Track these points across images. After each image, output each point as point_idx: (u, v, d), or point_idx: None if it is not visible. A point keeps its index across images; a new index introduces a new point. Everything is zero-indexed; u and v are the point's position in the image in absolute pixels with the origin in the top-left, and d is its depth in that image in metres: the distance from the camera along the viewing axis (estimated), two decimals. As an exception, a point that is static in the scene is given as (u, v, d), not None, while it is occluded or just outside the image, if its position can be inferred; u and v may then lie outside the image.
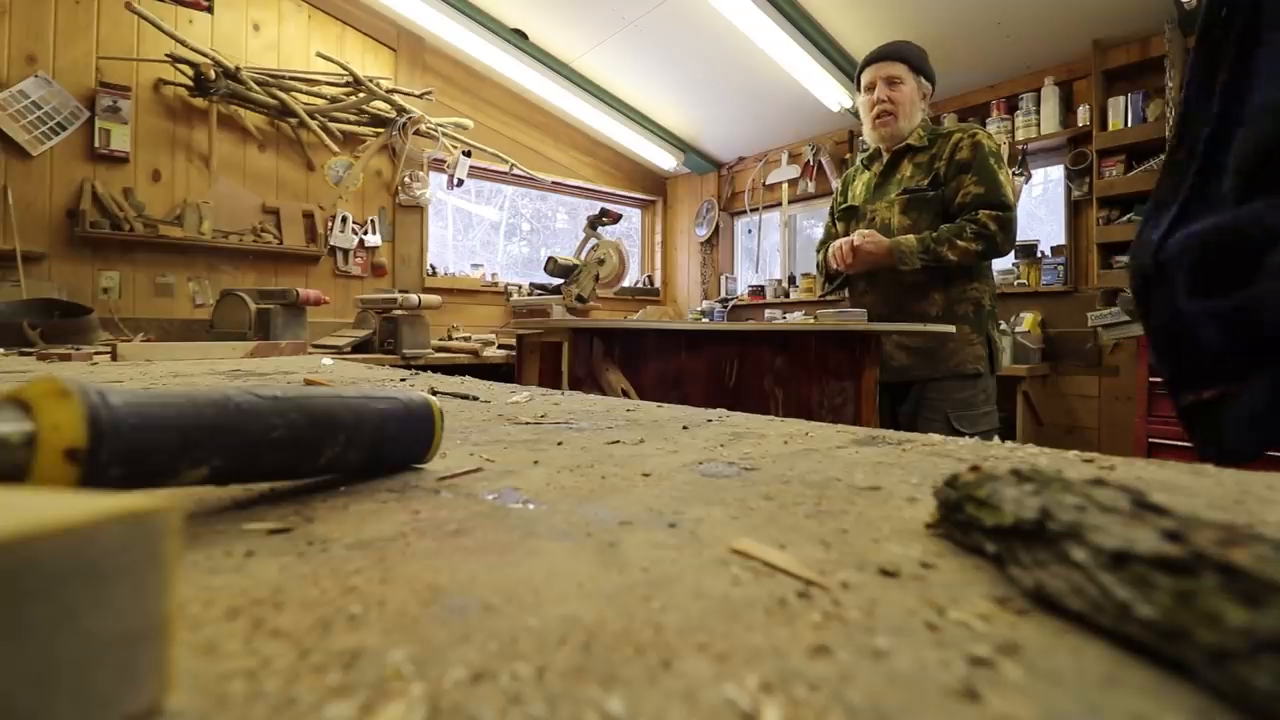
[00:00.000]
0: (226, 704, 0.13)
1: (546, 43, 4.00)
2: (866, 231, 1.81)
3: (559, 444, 0.43)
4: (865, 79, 1.91)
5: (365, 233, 3.82)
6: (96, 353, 1.61)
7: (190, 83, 3.19)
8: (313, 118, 3.51)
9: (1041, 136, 3.29)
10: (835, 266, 1.89)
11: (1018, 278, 3.40)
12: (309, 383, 0.80)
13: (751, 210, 4.80)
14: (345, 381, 0.86)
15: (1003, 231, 1.71)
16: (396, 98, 3.72)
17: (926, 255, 1.73)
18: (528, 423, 0.53)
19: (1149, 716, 0.13)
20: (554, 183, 4.69)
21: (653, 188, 5.29)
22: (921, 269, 1.74)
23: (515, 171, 4.30)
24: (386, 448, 0.32)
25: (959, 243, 1.70)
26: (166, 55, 3.12)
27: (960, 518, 0.23)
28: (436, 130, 3.87)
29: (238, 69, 3.24)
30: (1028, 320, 3.24)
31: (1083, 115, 3.17)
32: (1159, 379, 2.65)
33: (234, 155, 3.43)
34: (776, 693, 0.14)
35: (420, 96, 3.79)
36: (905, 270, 1.75)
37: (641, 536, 0.24)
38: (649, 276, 5.42)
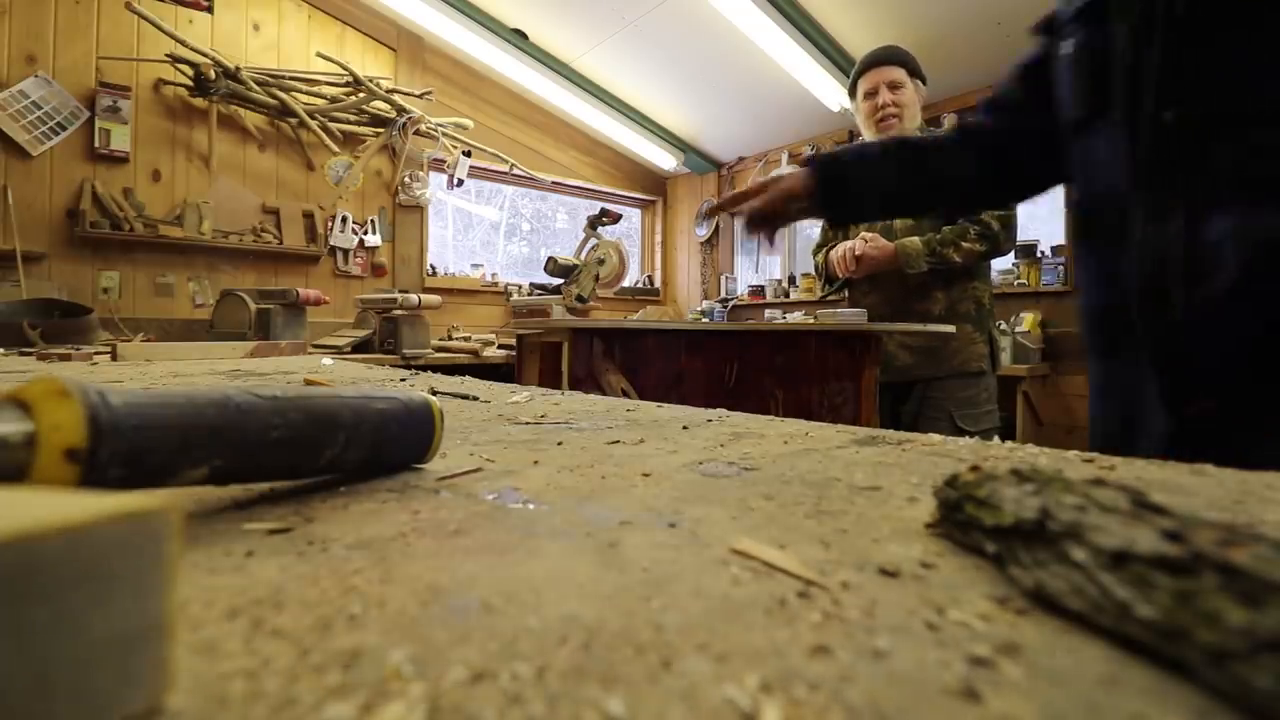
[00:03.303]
0: (226, 704, 0.13)
1: (546, 43, 4.00)
2: (869, 235, 1.81)
3: (559, 444, 0.43)
4: (865, 84, 1.90)
5: (365, 233, 3.82)
6: (96, 353, 1.61)
7: (190, 83, 3.19)
8: (313, 118, 3.51)
9: (1041, 136, 3.29)
10: (839, 274, 1.88)
11: (1018, 278, 3.40)
12: (309, 383, 0.80)
13: (751, 210, 4.80)
14: (345, 381, 0.86)
15: (1005, 231, 1.72)
16: (396, 98, 3.72)
17: (933, 258, 1.73)
18: (528, 423, 0.53)
19: (1149, 716, 0.13)
20: (554, 183, 4.69)
21: (653, 188, 5.29)
22: (925, 270, 1.75)
23: (515, 171, 4.31)
24: (387, 448, 0.32)
25: (964, 244, 1.71)
26: (166, 55, 3.12)
27: (960, 518, 0.23)
28: (436, 130, 3.87)
29: (238, 69, 3.24)
30: (1028, 320, 3.24)
31: (1083, 115, 3.16)
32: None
33: (234, 155, 3.43)
34: (776, 693, 0.14)
35: (420, 96, 3.79)
36: (911, 272, 1.76)
37: (641, 536, 0.24)
38: (649, 276, 5.42)
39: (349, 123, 3.69)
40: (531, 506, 0.28)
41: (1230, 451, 0.39)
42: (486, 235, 4.96)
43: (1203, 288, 0.58)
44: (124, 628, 0.12)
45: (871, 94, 1.87)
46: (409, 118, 3.75)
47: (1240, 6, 0.55)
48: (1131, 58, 0.63)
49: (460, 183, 4.06)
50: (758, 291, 4.73)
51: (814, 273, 2.18)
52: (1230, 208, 0.56)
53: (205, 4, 3.30)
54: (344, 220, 3.72)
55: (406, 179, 3.92)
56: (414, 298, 2.68)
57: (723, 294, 4.91)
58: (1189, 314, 0.59)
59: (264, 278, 3.47)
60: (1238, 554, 0.14)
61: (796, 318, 3.72)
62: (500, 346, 3.02)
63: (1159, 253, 0.60)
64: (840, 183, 0.91)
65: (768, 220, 0.92)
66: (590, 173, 4.87)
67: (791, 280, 4.62)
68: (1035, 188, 0.92)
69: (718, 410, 0.60)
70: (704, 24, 3.49)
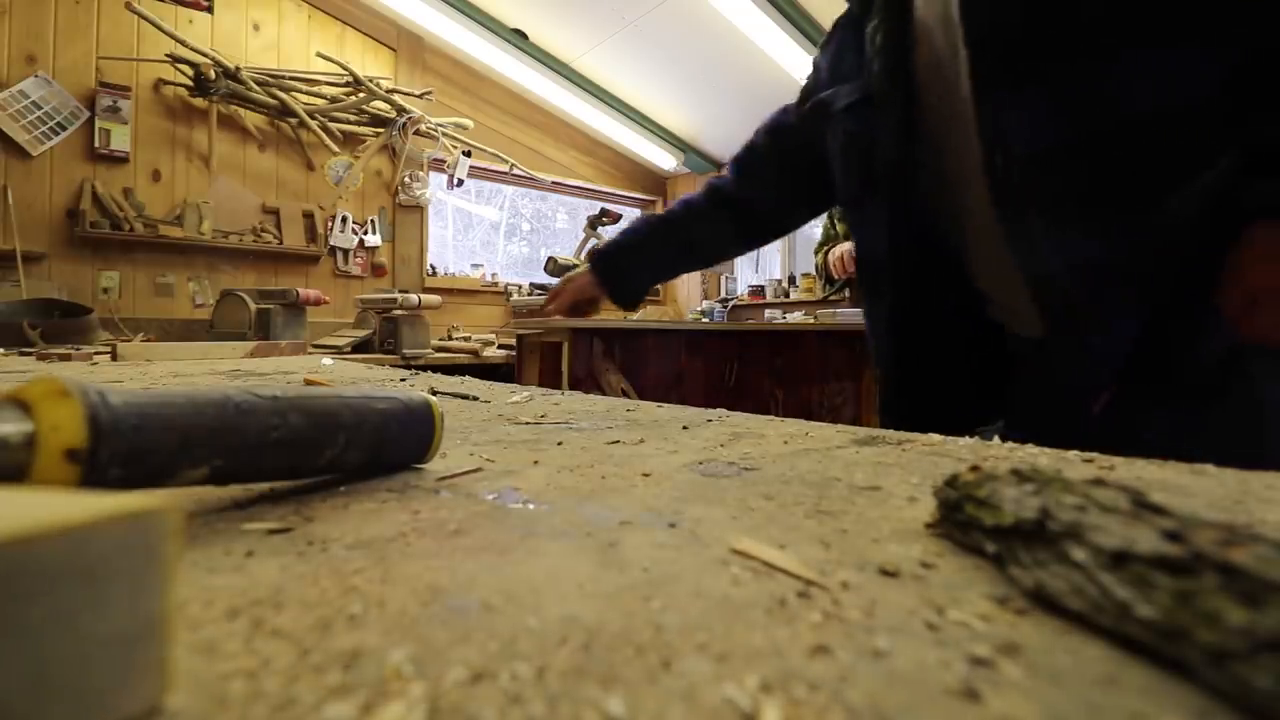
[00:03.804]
0: (226, 704, 0.13)
1: (546, 43, 4.00)
2: None
3: (559, 444, 0.43)
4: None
5: (365, 233, 3.82)
6: (96, 353, 1.61)
7: (190, 83, 3.19)
8: (313, 118, 3.51)
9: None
10: (838, 275, 1.89)
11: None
12: (309, 383, 0.80)
13: (751, 210, 4.80)
14: (345, 381, 0.86)
15: None
16: (396, 98, 3.72)
17: None
18: (528, 423, 0.53)
19: (1149, 716, 0.13)
20: (554, 183, 4.69)
21: (653, 188, 5.29)
22: None
23: (515, 171, 4.31)
24: (387, 448, 0.32)
25: None
26: (166, 55, 3.12)
27: (960, 517, 0.23)
28: (436, 130, 3.87)
29: (238, 69, 3.24)
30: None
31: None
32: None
33: (234, 155, 3.43)
34: (776, 692, 0.14)
35: (420, 96, 3.79)
36: None
37: (641, 536, 0.24)
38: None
39: (349, 123, 3.69)
40: (531, 506, 0.28)
41: (1129, 435, 0.44)
42: (486, 235, 4.96)
43: (1059, 313, 0.65)
44: (123, 628, 0.12)
45: None
46: (409, 118, 3.75)
47: (1028, 64, 0.61)
48: (896, 146, 0.72)
49: (460, 183, 4.06)
50: (758, 291, 4.73)
51: (814, 273, 2.18)
52: (1064, 236, 0.62)
53: (205, 4, 3.30)
54: (344, 220, 3.72)
55: (406, 179, 3.92)
56: (414, 298, 2.68)
57: (723, 294, 4.91)
58: (1053, 340, 0.66)
59: (264, 278, 3.47)
60: (1238, 554, 0.14)
61: (796, 318, 3.72)
62: (500, 346, 3.02)
63: (1031, 281, 0.66)
64: (617, 271, 1.12)
65: (574, 312, 1.16)
66: (590, 173, 4.87)
67: (791, 280, 4.62)
68: (778, 235, 1.15)
69: (718, 410, 0.60)
70: (704, 24, 3.49)
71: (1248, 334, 0.55)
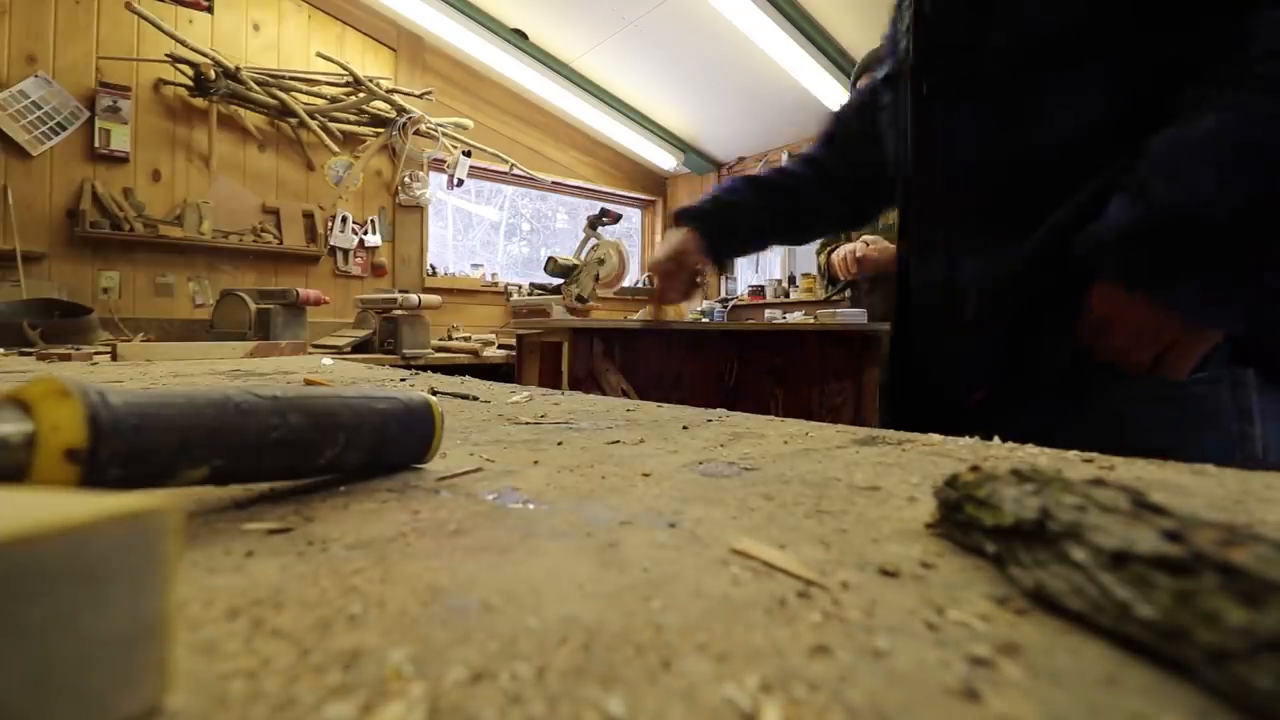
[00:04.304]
0: (226, 704, 0.13)
1: (546, 43, 4.00)
2: (871, 238, 1.81)
3: (559, 444, 0.43)
4: (866, 84, 1.90)
5: (365, 233, 3.82)
6: (96, 353, 1.61)
7: (190, 83, 3.19)
8: (313, 118, 3.51)
9: (1041, 136, 3.28)
10: (841, 277, 1.89)
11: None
12: (309, 383, 0.80)
13: (751, 210, 4.79)
14: (345, 381, 0.86)
15: None
16: (396, 98, 3.72)
17: None
18: (528, 423, 0.53)
19: (1149, 716, 0.13)
20: (554, 183, 4.69)
21: (653, 188, 5.28)
22: None
23: (515, 171, 4.30)
24: (387, 448, 0.32)
25: None
26: (166, 55, 3.12)
27: (960, 518, 0.23)
28: (436, 130, 3.87)
29: (238, 69, 3.24)
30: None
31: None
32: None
33: (234, 155, 3.43)
34: (776, 692, 0.14)
35: (420, 96, 3.79)
36: None
37: (641, 536, 0.24)
38: (649, 276, 5.42)
39: (349, 123, 3.69)
40: (531, 506, 0.28)
41: (1002, 427, 0.47)
42: (486, 235, 4.95)
43: (962, 312, 0.70)
44: (123, 628, 0.12)
45: None
46: (409, 118, 3.75)
47: (964, 83, 0.65)
48: (910, 128, 0.75)
49: (460, 183, 4.06)
50: (758, 291, 4.72)
51: (816, 273, 2.19)
52: (974, 249, 0.67)
53: (205, 4, 3.30)
54: (344, 220, 3.72)
55: (406, 179, 3.92)
56: (414, 298, 2.68)
57: (723, 294, 4.90)
58: (959, 331, 0.71)
59: (264, 278, 3.47)
60: (1238, 554, 0.14)
61: (796, 318, 3.72)
62: (500, 346, 3.02)
63: (930, 285, 0.72)
64: (728, 238, 1.03)
65: (690, 290, 1.09)
66: (590, 173, 4.87)
67: (791, 280, 4.61)
68: (862, 223, 1.12)
69: (718, 410, 0.60)
70: (704, 24, 3.49)
71: (1102, 355, 0.59)
